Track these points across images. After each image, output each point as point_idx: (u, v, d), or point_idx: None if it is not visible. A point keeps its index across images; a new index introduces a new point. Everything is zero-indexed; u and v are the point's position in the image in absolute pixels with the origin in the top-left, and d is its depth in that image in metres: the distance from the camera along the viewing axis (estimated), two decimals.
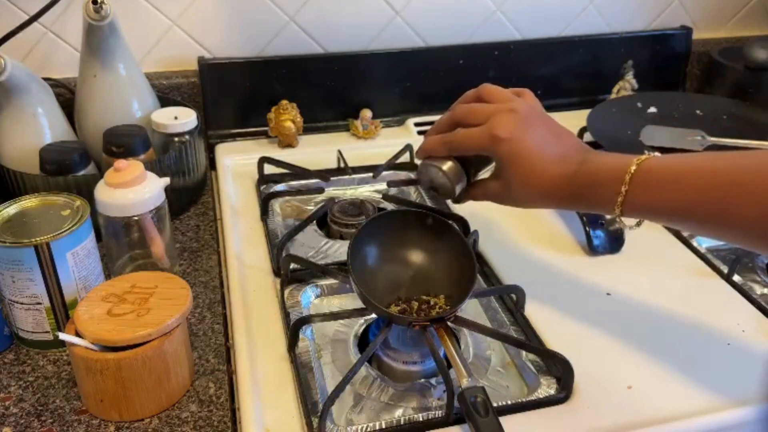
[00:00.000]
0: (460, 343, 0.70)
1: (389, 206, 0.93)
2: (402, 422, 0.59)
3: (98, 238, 0.70)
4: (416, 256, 0.72)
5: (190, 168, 0.90)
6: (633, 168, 0.55)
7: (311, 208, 0.94)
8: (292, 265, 0.76)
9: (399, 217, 0.74)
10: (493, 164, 0.67)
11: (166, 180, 0.74)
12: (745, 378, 0.64)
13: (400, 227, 0.72)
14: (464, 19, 1.16)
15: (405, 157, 1.02)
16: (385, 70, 1.12)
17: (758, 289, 0.78)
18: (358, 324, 0.72)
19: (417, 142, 1.06)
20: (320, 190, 0.94)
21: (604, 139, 1.01)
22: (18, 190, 0.80)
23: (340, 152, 1.00)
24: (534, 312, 0.72)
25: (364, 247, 0.70)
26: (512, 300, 0.74)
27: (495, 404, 0.61)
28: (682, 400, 0.62)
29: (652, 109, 1.11)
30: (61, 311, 0.66)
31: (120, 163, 0.70)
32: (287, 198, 0.96)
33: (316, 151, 1.05)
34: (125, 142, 0.83)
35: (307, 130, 1.08)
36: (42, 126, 0.85)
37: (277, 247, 0.79)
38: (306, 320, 0.68)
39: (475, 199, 0.69)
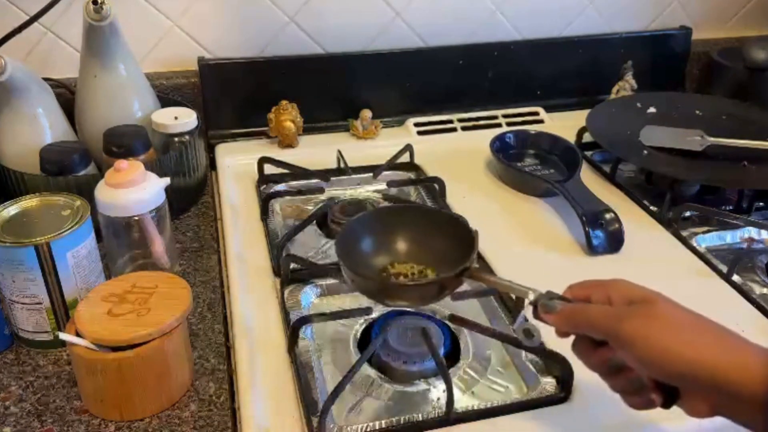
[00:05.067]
0: (460, 343, 0.70)
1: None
2: (402, 422, 0.59)
3: (98, 238, 0.70)
4: (406, 245, 0.69)
5: (190, 168, 0.90)
6: None
7: (311, 208, 0.94)
8: (292, 265, 0.76)
9: (387, 212, 0.72)
10: None
11: (167, 180, 0.74)
12: None
13: (389, 222, 0.69)
14: (464, 19, 1.16)
15: (405, 157, 1.02)
16: (385, 70, 1.12)
17: (758, 289, 0.79)
18: (358, 324, 0.73)
19: (417, 142, 1.07)
20: (320, 190, 0.94)
21: (604, 139, 1.01)
22: (18, 190, 0.80)
23: (340, 152, 1.00)
24: None
25: (353, 242, 0.67)
26: (512, 300, 0.74)
27: (495, 404, 0.62)
28: None
29: (652, 110, 1.11)
30: (62, 311, 0.66)
31: (120, 163, 0.70)
32: (287, 198, 0.96)
33: (316, 151, 1.05)
34: (125, 142, 0.83)
35: (307, 130, 1.08)
36: (42, 126, 0.85)
37: (277, 247, 0.79)
38: (306, 320, 0.68)
39: None
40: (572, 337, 0.65)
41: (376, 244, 0.68)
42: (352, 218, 0.69)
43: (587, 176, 0.98)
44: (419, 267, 0.67)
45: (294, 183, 0.98)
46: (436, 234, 0.68)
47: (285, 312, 0.72)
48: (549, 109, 1.19)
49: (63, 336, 0.58)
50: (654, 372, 0.48)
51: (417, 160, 1.02)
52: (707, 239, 0.88)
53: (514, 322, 0.58)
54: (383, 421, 0.59)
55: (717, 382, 0.45)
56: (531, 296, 0.54)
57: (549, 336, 0.68)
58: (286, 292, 0.75)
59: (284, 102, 1.05)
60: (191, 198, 0.93)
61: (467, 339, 0.71)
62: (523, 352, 0.67)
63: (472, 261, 0.60)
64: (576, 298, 0.53)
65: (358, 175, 0.99)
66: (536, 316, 0.54)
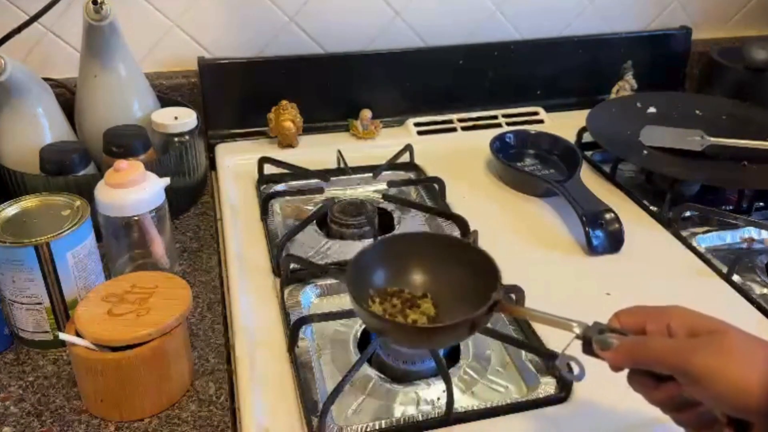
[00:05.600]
0: (460, 343, 0.70)
1: (389, 206, 0.93)
2: (402, 422, 0.59)
3: (98, 238, 0.70)
4: (420, 278, 0.66)
5: (190, 168, 0.90)
6: None
7: (311, 208, 0.94)
8: (292, 265, 0.76)
9: (406, 240, 0.68)
10: None
11: (166, 180, 0.74)
12: None
13: (399, 252, 0.66)
14: (464, 19, 1.16)
15: (405, 157, 1.02)
16: (385, 70, 1.12)
17: (758, 289, 0.79)
18: (358, 324, 0.72)
19: (417, 142, 1.07)
20: (320, 190, 0.94)
21: (604, 139, 1.01)
22: (18, 190, 0.80)
23: (340, 152, 1.00)
24: None
25: (364, 276, 0.63)
26: (512, 300, 0.74)
27: (494, 404, 0.62)
28: None
29: (652, 109, 1.11)
30: (61, 311, 0.66)
31: (120, 163, 0.70)
32: (287, 198, 0.96)
33: (316, 151, 1.05)
34: (125, 142, 0.83)
35: (307, 130, 1.08)
36: (42, 126, 0.85)
37: (277, 247, 0.79)
38: (306, 320, 0.68)
39: None
40: (571, 338, 0.65)
41: (388, 277, 0.64)
42: (359, 253, 0.63)
43: (587, 176, 0.98)
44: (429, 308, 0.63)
45: (294, 183, 0.98)
46: (452, 264, 0.63)
47: (285, 312, 0.72)
48: (549, 109, 1.19)
49: (63, 336, 0.58)
50: (729, 409, 0.44)
51: (417, 160, 1.02)
52: (707, 239, 0.88)
53: (556, 359, 0.53)
54: (383, 421, 0.59)
55: None
56: (577, 329, 0.51)
57: (549, 336, 0.69)
58: (286, 292, 0.75)
59: (284, 102, 1.05)
60: (191, 198, 0.93)
61: (467, 339, 0.71)
62: (523, 352, 0.67)
63: (500, 292, 0.56)
64: (627, 328, 0.49)
65: (358, 175, 0.99)
66: (586, 351, 0.50)
